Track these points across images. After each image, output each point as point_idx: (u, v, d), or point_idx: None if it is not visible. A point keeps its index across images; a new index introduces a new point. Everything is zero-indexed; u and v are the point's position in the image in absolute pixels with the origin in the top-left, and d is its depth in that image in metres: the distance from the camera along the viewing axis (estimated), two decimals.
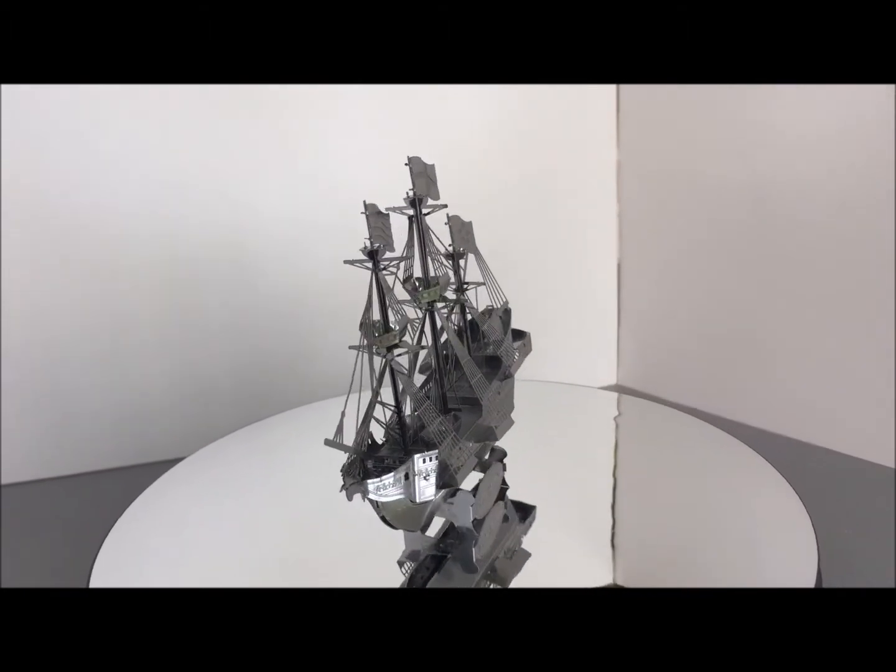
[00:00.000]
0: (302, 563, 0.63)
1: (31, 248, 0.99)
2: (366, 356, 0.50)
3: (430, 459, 0.51)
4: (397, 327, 0.51)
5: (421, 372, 0.58)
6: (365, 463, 0.51)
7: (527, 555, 0.64)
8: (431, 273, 0.56)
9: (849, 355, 0.99)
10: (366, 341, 0.48)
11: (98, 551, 0.63)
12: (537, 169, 1.20)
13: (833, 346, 1.00)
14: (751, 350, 1.11)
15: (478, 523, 0.59)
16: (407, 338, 0.54)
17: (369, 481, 0.47)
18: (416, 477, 0.51)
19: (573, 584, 0.60)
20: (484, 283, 0.63)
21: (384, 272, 0.50)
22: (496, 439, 0.59)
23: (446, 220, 0.61)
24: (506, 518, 0.64)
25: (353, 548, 0.64)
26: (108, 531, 0.66)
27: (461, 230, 0.61)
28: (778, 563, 0.59)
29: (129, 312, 1.04)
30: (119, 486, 0.96)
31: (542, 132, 1.19)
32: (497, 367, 0.65)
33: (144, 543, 0.67)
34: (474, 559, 0.58)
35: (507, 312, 0.68)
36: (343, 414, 0.46)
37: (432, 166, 0.57)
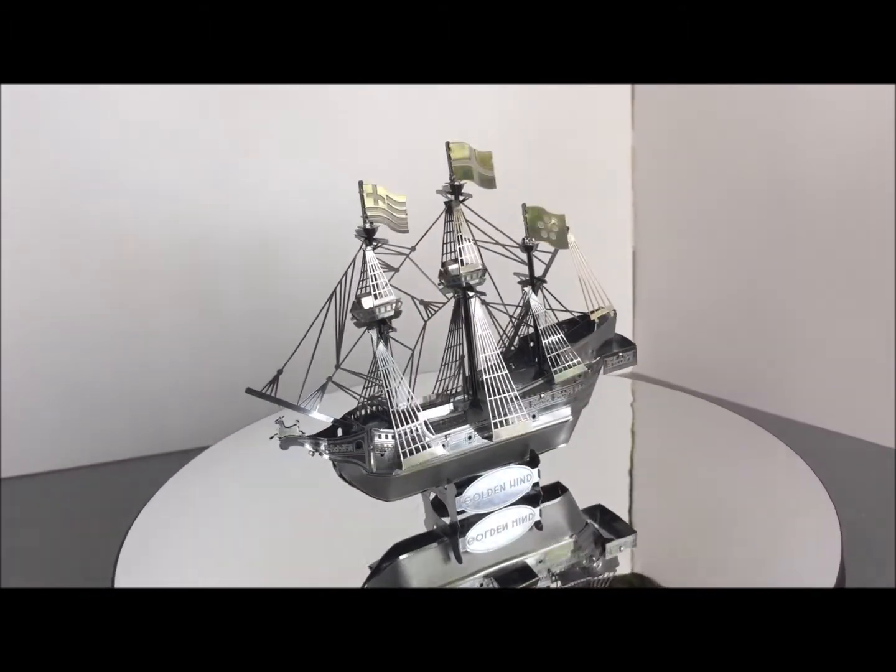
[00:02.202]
0: (322, 554, 0.65)
1: (50, 242, 1.02)
2: (362, 331, 0.54)
3: (387, 437, 0.53)
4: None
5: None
6: (345, 426, 0.55)
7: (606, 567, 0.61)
8: (469, 260, 0.56)
9: (864, 343, 1.00)
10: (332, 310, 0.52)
11: (123, 542, 0.64)
12: (550, 157, 1.15)
13: (849, 333, 1.01)
14: (766, 338, 1.11)
15: (479, 518, 0.59)
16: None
17: (306, 437, 0.51)
18: (372, 450, 0.53)
19: (590, 573, 0.60)
20: (545, 280, 0.59)
21: (378, 251, 0.53)
22: (491, 439, 0.57)
23: (524, 211, 0.59)
24: (539, 526, 0.61)
25: (370, 530, 0.65)
26: (133, 521, 0.67)
27: (538, 221, 0.59)
28: (801, 550, 0.60)
29: (150, 303, 1.07)
30: (141, 475, 0.98)
31: (556, 119, 1.14)
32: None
33: (168, 535, 0.67)
34: (460, 550, 0.58)
35: (602, 319, 0.63)
36: (279, 371, 0.51)
37: (488, 153, 0.56)
